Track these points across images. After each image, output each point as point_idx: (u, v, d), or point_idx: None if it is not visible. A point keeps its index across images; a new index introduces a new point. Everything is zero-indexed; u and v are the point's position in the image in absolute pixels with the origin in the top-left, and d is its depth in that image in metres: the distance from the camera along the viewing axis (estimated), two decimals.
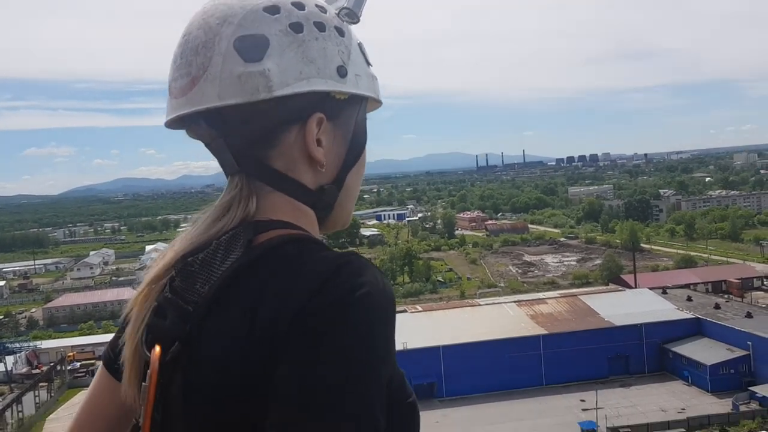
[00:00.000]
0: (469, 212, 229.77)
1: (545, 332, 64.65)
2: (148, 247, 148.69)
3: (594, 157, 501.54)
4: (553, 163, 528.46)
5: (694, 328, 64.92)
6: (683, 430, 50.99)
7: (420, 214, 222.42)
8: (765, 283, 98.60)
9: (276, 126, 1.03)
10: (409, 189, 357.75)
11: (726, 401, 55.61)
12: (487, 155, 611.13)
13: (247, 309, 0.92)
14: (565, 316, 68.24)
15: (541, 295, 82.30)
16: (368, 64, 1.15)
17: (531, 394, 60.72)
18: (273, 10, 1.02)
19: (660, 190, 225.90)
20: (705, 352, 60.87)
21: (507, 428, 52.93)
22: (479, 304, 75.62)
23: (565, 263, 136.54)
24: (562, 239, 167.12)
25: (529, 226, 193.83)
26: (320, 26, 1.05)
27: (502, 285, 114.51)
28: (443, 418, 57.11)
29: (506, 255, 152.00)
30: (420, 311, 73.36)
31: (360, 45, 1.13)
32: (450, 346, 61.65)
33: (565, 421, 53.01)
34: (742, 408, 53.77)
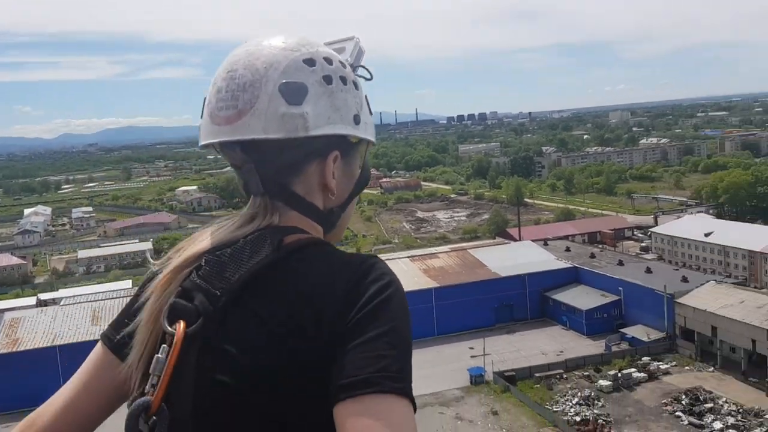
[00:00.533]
0: None
1: (437, 285, 66.93)
2: (26, 210, 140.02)
3: (482, 116, 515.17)
4: (445, 122, 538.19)
5: (572, 277, 69.16)
6: (561, 371, 54.50)
7: None
8: (635, 233, 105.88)
9: (303, 158, 1.24)
10: None
11: (600, 343, 59.99)
12: (380, 113, 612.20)
13: (283, 298, 1.09)
14: (456, 269, 70.83)
15: (433, 249, 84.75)
16: (371, 113, 1.37)
17: (424, 344, 63.00)
18: (311, 62, 1.23)
19: (542, 148, 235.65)
20: (581, 298, 65.21)
21: None
22: None
23: (456, 219, 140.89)
24: (452, 196, 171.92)
25: (422, 183, 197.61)
26: (344, 80, 1.28)
27: (396, 241, 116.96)
28: None
29: (400, 212, 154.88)
30: None
31: (366, 97, 1.35)
32: None
33: (456, 368, 55.58)
34: (614, 348, 58.18)
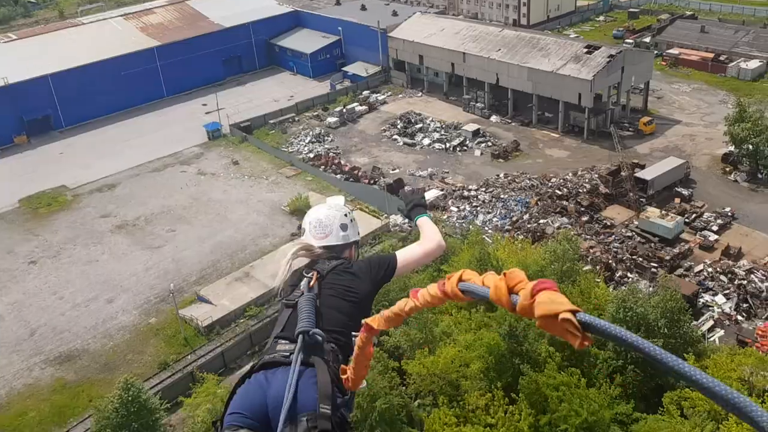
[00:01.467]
0: None
1: (159, 44, 63.83)
2: None
3: None
4: None
5: (294, 21, 69.92)
6: (293, 114, 57.88)
7: None
8: None
9: (345, 247, 3.77)
10: None
11: (325, 84, 63.77)
12: None
13: (349, 273, 3.47)
14: (177, 24, 67.44)
15: (148, 5, 78.22)
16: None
17: (154, 107, 61.55)
18: (346, 216, 3.83)
19: None
20: (305, 42, 67.11)
21: (136, 144, 54.10)
22: (83, 24, 69.95)
23: None
24: None
25: None
26: (353, 219, 3.90)
27: None
28: (68, 149, 55.65)
29: None
30: (15, 39, 65.44)
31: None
32: (59, 73, 57.64)
33: (192, 126, 55.99)
34: (338, 87, 62.47)
